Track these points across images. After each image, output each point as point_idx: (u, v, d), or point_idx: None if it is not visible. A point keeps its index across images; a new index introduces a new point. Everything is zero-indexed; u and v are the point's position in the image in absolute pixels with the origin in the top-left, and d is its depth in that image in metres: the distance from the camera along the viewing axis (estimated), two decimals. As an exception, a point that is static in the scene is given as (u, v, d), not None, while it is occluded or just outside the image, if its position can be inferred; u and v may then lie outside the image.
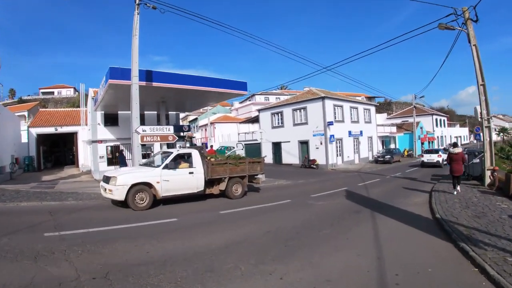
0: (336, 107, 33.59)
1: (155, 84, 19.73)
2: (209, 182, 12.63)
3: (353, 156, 35.49)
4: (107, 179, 11.11)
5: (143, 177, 11.13)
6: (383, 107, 75.17)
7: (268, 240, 7.21)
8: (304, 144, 34.12)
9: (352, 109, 36.31)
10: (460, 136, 73.62)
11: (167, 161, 11.73)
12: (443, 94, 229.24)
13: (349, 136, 34.75)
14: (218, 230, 8.14)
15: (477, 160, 16.99)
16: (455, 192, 13.09)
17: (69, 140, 33.21)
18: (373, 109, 41.06)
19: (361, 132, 36.91)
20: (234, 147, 46.14)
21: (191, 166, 12.17)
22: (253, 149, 42.30)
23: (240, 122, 51.64)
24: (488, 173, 14.96)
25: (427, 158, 30.40)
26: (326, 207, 11.24)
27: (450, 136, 66.21)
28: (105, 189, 10.90)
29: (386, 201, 12.25)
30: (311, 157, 32.52)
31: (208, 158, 12.69)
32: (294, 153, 34.84)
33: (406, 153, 43.92)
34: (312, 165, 31.41)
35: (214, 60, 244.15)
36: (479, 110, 15.54)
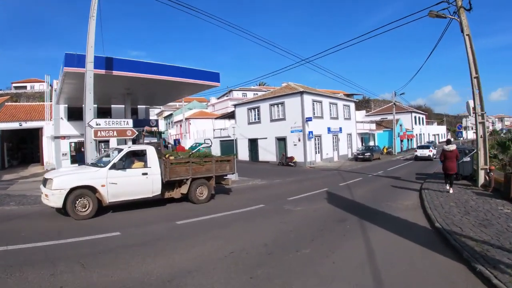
0: (315, 103, 32.10)
1: (116, 72, 17.71)
2: (168, 185, 10.71)
3: (332, 153, 34.15)
4: (44, 182, 9.09)
5: (84, 179, 9.11)
6: (362, 104, 74.37)
7: (228, 267, 5.33)
8: (281, 141, 32.52)
9: (331, 105, 34.94)
10: (438, 134, 74.03)
11: (115, 159, 9.76)
12: (420, 93, 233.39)
13: (328, 132, 33.36)
14: (166, 250, 6.22)
15: (467, 159, 15.69)
16: (451, 191, 12.33)
17: (36, 136, 30.62)
18: (352, 105, 39.86)
19: (340, 128, 35.61)
20: (208, 143, 44.43)
21: (146, 166, 10.23)
22: (229, 146, 40.42)
23: (216, 118, 49.66)
24: (481, 172, 13.66)
25: (420, 152, 33.67)
26: (305, 215, 9.49)
27: (428, 134, 66.25)
28: (43, 194, 8.94)
29: (373, 205, 10.66)
30: (289, 154, 30.97)
31: (167, 156, 10.73)
32: (271, 150, 33.20)
33: (385, 151, 43.03)
34: (289, 163, 29.86)
35: (192, 55, 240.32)
36: (471, 105, 14.21)
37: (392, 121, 44.41)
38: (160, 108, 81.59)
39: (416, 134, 57.94)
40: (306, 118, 29.79)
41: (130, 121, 15.13)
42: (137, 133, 15.00)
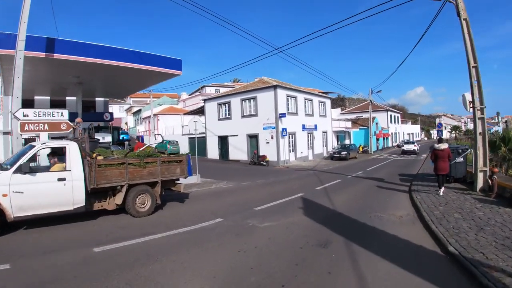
0: (289, 98, 29.97)
1: (59, 56, 15.04)
2: (97, 193, 8.17)
3: (307, 152, 32.15)
4: None
5: (-26, 187, 6.51)
6: (336, 102, 73.01)
7: None
8: (253, 138, 30.22)
9: (306, 101, 32.91)
10: (412, 133, 73.89)
11: (21, 160, 7.12)
12: (393, 94, 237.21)
13: (303, 130, 31.33)
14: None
15: (460, 159, 13.83)
16: (441, 192, 11.46)
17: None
18: (328, 102, 38.03)
19: (315, 126, 33.66)
20: (176, 141, 41.56)
21: (66, 168, 7.64)
22: (199, 143, 37.87)
23: (185, 114, 46.77)
24: (480, 175, 11.78)
25: (406, 147, 39.90)
26: (274, 235, 7.11)
27: (403, 132, 65.70)
28: None
29: (360, 217, 8.46)
30: (261, 153, 28.74)
31: (94, 155, 8.12)
32: (243, 148, 30.86)
33: (361, 149, 41.51)
34: (261, 162, 27.62)
35: (164, 51, 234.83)
36: (468, 98, 12.29)
37: (368, 119, 42.99)
38: (130, 103, 78.10)
39: (392, 133, 57.04)
40: (280, 114, 27.63)
41: (66, 112, 12.36)
42: (77, 127, 12.27)
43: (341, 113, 57.38)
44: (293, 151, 29.96)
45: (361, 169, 21.98)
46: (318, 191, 13.05)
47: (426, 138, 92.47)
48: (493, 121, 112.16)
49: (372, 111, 46.72)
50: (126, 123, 77.08)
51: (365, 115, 49.25)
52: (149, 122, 54.48)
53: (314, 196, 11.86)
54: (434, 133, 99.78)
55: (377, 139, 46.95)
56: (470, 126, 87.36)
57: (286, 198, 11.46)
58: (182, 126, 43.02)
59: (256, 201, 10.85)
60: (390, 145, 55.89)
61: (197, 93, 66.17)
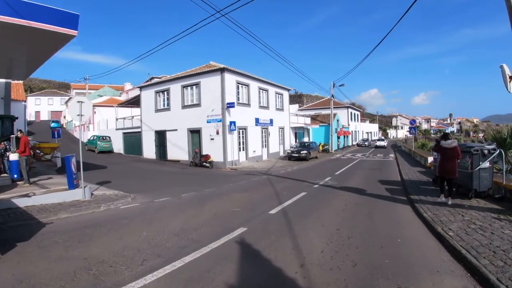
0: (240, 86, 24.72)
1: None
2: None
3: (261, 150, 27.05)
4: None
5: None
6: (294, 99, 69.11)
7: None
8: (195, 134, 24.68)
9: (261, 91, 27.81)
10: (371, 132, 71.62)
11: None
12: (347, 95, 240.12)
13: (256, 124, 26.21)
14: None
15: (486, 164, 9.18)
16: (449, 202, 8.95)
17: None
18: (286, 94, 33.16)
19: (271, 121, 28.67)
20: (109, 137, 35.03)
21: None
22: (133, 140, 31.66)
23: (119, 105, 40.10)
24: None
25: (378, 143, 48.50)
26: None
27: (362, 131, 62.79)
28: None
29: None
30: (204, 152, 23.33)
31: None
32: (183, 146, 25.23)
33: (321, 148, 37.15)
34: (204, 163, 22.24)
35: (121, 43, 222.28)
36: (508, 72, 7.64)
37: (329, 115, 38.74)
38: (72, 95, 69.84)
39: (352, 131, 53.64)
40: (227, 103, 22.31)
41: None
42: None
43: (299, 110, 53.02)
44: (243, 150, 24.77)
45: (328, 174, 17.17)
46: (273, 220, 7.71)
47: (383, 138, 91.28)
48: (445, 122, 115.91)
49: (333, 107, 42.81)
50: (65, 117, 69.12)
51: (324, 112, 45.24)
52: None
53: (265, 235, 6.47)
54: (391, 133, 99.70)
55: (338, 137, 43.01)
56: (425, 126, 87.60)
57: (215, 239, 6.08)
58: (116, 119, 36.50)
59: (167, 240, 5.55)
60: (350, 143, 52.38)
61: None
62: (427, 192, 10.80)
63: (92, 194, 10.73)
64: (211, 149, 22.93)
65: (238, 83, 24.27)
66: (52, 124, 64.94)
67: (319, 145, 37.36)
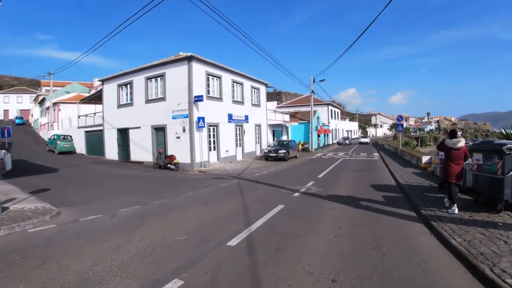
0: (211, 78, 22.00)
1: None
2: None
3: (235, 150, 24.36)
4: None
5: None
6: (273, 96, 66.71)
7: None
8: (160, 132, 21.80)
9: (235, 84, 25.13)
10: (351, 130, 70.12)
11: None
12: (326, 95, 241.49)
13: (229, 121, 23.52)
14: None
15: (525, 167, 6.89)
16: (456, 210, 7.21)
17: None
18: (263, 89, 30.55)
19: (246, 117, 26.04)
20: (70, 136, 31.66)
21: None
22: (96, 139, 28.43)
23: (81, 101, 36.57)
24: None
25: (362, 140, 53.24)
26: None
27: (343, 129, 61.01)
28: None
29: None
30: (170, 152, 20.52)
31: None
32: (147, 146, 22.32)
33: (301, 147, 34.80)
34: (169, 165, 19.46)
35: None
36: None
37: (309, 112, 36.41)
38: (41, 92, 65.48)
39: (332, 129, 51.65)
40: (195, 97, 19.56)
41: None
42: None
43: (277, 107, 50.60)
44: (215, 150, 22.04)
45: (310, 177, 14.69)
46: (230, 262, 4.98)
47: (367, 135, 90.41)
48: (423, 120, 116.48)
49: (313, 104, 40.64)
50: (32, 115, 65.00)
51: (303, 109, 42.98)
52: (48, 113, 44.12)
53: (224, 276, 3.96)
54: (370, 131, 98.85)
55: (318, 136, 40.80)
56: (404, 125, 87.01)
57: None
58: (79, 117, 33.12)
59: None
60: (330, 142, 50.34)
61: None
62: (436, 202, 8.46)
63: (6, 209, 8.02)
64: (177, 148, 20.15)
65: (208, 74, 21.54)
66: (17, 121, 61.01)
67: (298, 144, 35.06)
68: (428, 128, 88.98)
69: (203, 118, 19.69)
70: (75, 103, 41.00)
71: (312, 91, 35.54)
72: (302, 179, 13.90)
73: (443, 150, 8.01)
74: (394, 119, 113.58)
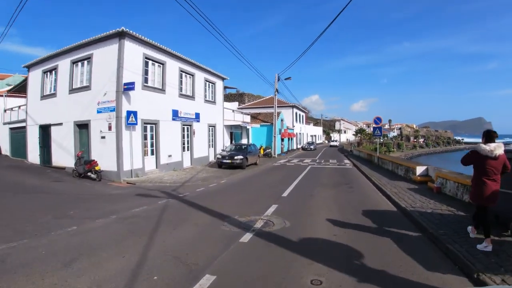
0: (151, 63, 17.49)
1: None
2: None
3: (181, 155, 19.79)
4: None
5: None
6: (235, 98, 62.37)
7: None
8: (83, 130, 16.92)
9: (184, 75, 20.69)
10: (315, 135, 67.18)
11: None
12: (290, 99, 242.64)
13: (174, 119, 19.01)
14: None
15: None
16: (490, 247, 4.97)
17: None
18: (220, 84, 26.21)
19: (197, 115, 21.61)
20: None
21: None
22: (20, 138, 22.91)
23: (8, 93, 30.56)
24: None
25: (332, 143, 63.07)
26: None
27: (307, 134, 57.83)
28: None
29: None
30: (94, 156, 15.78)
31: None
32: (69, 147, 17.39)
33: (262, 152, 30.84)
34: (89, 173, 14.79)
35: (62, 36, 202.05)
36: None
37: (273, 114, 32.48)
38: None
39: (297, 133, 48.10)
40: (125, 84, 15.02)
41: None
42: None
43: (238, 108, 46.40)
44: (153, 154, 17.45)
45: (271, 196, 10.60)
46: None
47: (326, 141, 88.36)
48: (385, 127, 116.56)
49: (277, 106, 36.90)
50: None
51: (266, 111, 39.05)
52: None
53: None
54: (334, 136, 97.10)
55: (282, 139, 37.00)
56: (367, 130, 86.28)
57: None
58: (5, 111, 27.33)
59: None
60: (295, 147, 46.70)
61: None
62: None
63: None
64: (103, 152, 15.45)
65: (148, 58, 17.02)
66: None
67: (259, 148, 31.02)
68: (391, 134, 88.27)
69: (135, 113, 15.16)
70: (14, 96, 34.67)
71: (277, 90, 31.66)
72: (261, 200, 9.80)
73: (473, 161, 5.32)
74: (357, 125, 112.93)
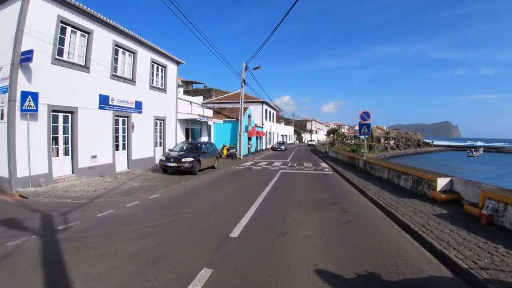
0: (69, 30, 12.68)
1: None
2: None
3: (112, 155, 14.90)
4: None
5: None
6: (201, 93, 57.56)
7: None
8: (-33, 119, 12.08)
9: (121, 51, 15.96)
10: (286, 135, 63.40)
11: None
12: (261, 92, 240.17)
13: (101, 107, 14.18)
14: None
15: None
16: None
17: None
18: (173, 69, 21.46)
19: (138, 104, 16.90)
20: None
21: None
22: None
23: None
24: None
25: (309, 142, 69.95)
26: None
27: (278, 133, 53.89)
28: None
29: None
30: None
31: None
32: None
33: (225, 152, 26.54)
34: (-38, 181, 10.06)
35: None
36: None
37: (239, 109, 28.20)
38: None
39: (267, 132, 43.95)
40: (22, 54, 10.38)
41: None
42: None
43: (203, 102, 41.82)
44: (67, 154, 12.72)
45: (212, 231, 6.36)
46: None
47: (297, 142, 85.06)
48: (355, 128, 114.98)
49: (244, 101, 32.73)
50: None
51: (233, 106, 34.72)
52: None
53: None
54: (305, 137, 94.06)
55: (249, 138, 32.70)
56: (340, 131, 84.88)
57: None
58: None
59: None
60: (264, 147, 42.52)
61: None
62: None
63: None
64: (-11, 148, 10.75)
65: (65, 23, 12.31)
66: None
67: (222, 148, 26.73)
68: (362, 137, 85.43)
69: (34, 95, 10.52)
70: None
71: (244, 81, 27.41)
72: (193, 243, 5.52)
73: None
74: (328, 126, 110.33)
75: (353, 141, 68.12)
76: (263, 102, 41.65)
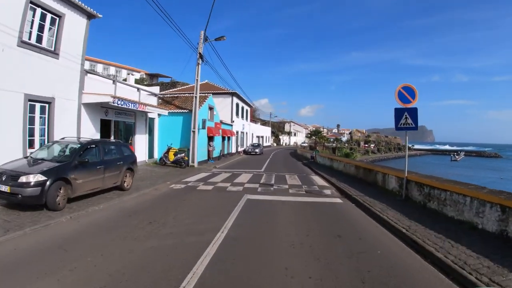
0: None
1: None
2: None
3: None
4: None
5: None
6: (167, 87, 49.29)
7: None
8: None
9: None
10: (263, 136, 56.01)
11: None
12: (233, 83, 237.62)
13: None
14: None
15: None
16: None
17: None
18: (77, 20, 13.12)
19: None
20: None
21: None
22: None
23: None
24: None
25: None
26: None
27: (253, 134, 46.24)
28: None
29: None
30: None
31: None
32: None
33: (172, 157, 18.46)
34: None
35: None
36: None
37: (194, 97, 20.10)
38: None
39: (238, 132, 36.03)
40: None
41: None
42: None
43: (159, 94, 33.64)
44: None
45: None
46: None
47: (275, 144, 78.57)
48: (334, 131, 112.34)
49: (209, 92, 24.98)
50: None
51: (184, 95, 26.60)
52: None
53: None
54: (283, 139, 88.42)
55: (211, 138, 24.50)
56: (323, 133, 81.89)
57: None
58: None
59: None
60: (233, 150, 34.56)
61: None
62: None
63: None
64: None
65: None
66: None
67: (167, 151, 18.94)
68: (343, 139, 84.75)
69: None
70: None
71: (200, 55, 19.49)
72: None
73: None
74: (307, 128, 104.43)
75: (333, 144, 64.90)
76: (233, 94, 33.45)
